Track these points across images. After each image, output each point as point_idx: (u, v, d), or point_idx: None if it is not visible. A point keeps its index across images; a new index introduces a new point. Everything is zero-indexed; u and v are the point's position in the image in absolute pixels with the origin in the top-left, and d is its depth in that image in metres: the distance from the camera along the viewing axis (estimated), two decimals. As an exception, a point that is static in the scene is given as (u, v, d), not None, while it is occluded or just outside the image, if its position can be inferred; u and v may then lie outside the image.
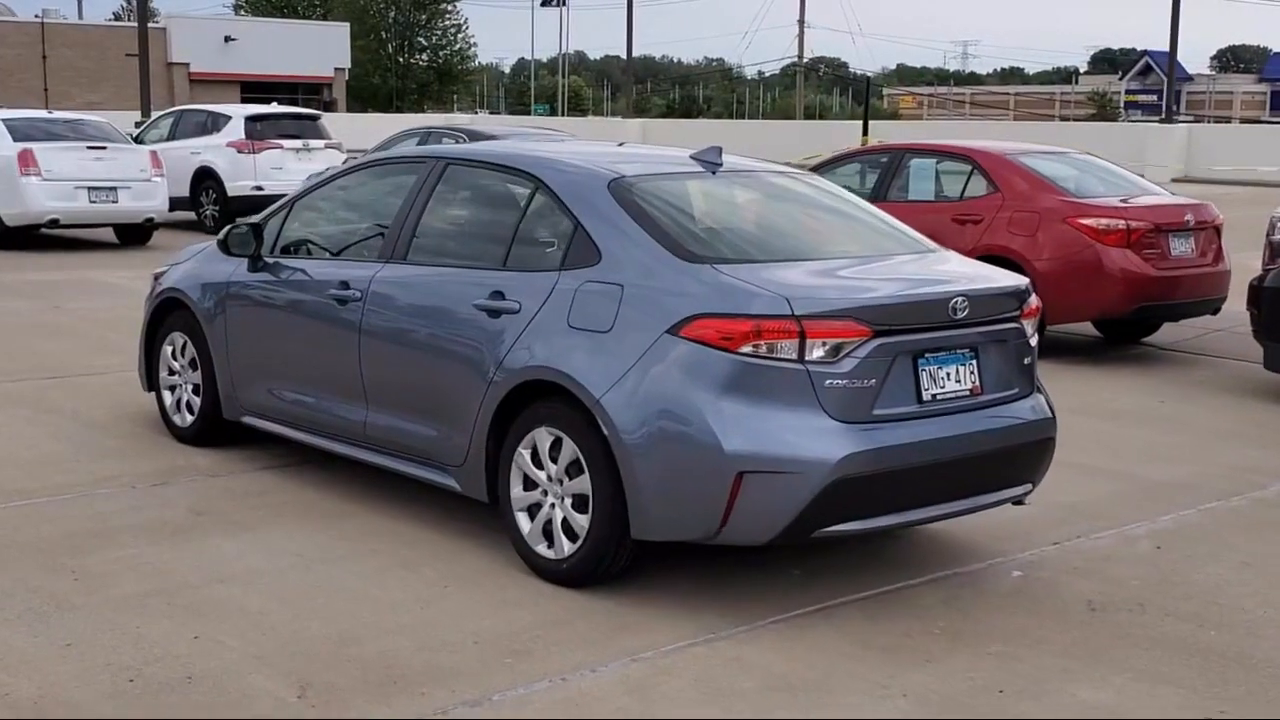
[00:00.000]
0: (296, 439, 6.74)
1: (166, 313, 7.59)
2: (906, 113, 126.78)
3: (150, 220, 17.62)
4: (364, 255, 6.59)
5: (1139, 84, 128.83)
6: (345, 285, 6.28)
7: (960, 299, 5.16)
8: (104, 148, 17.42)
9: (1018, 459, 5.43)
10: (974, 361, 5.25)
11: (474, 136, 16.66)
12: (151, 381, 7.77)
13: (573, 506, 5.23)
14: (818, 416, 4.85)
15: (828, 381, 4.86)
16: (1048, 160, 11.24)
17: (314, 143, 20.51)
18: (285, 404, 6.75)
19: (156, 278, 7.85)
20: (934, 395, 5.10)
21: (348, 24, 65.10)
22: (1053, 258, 10.37)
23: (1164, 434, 8.36)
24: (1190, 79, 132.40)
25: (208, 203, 20.09)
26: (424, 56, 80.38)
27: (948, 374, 5.15)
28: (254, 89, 53.84)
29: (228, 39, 58.04)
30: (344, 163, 17.33)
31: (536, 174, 5.76)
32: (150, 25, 43.87)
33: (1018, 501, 5.61)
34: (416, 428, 5.94)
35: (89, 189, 17.09)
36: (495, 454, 5.57)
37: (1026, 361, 5.49)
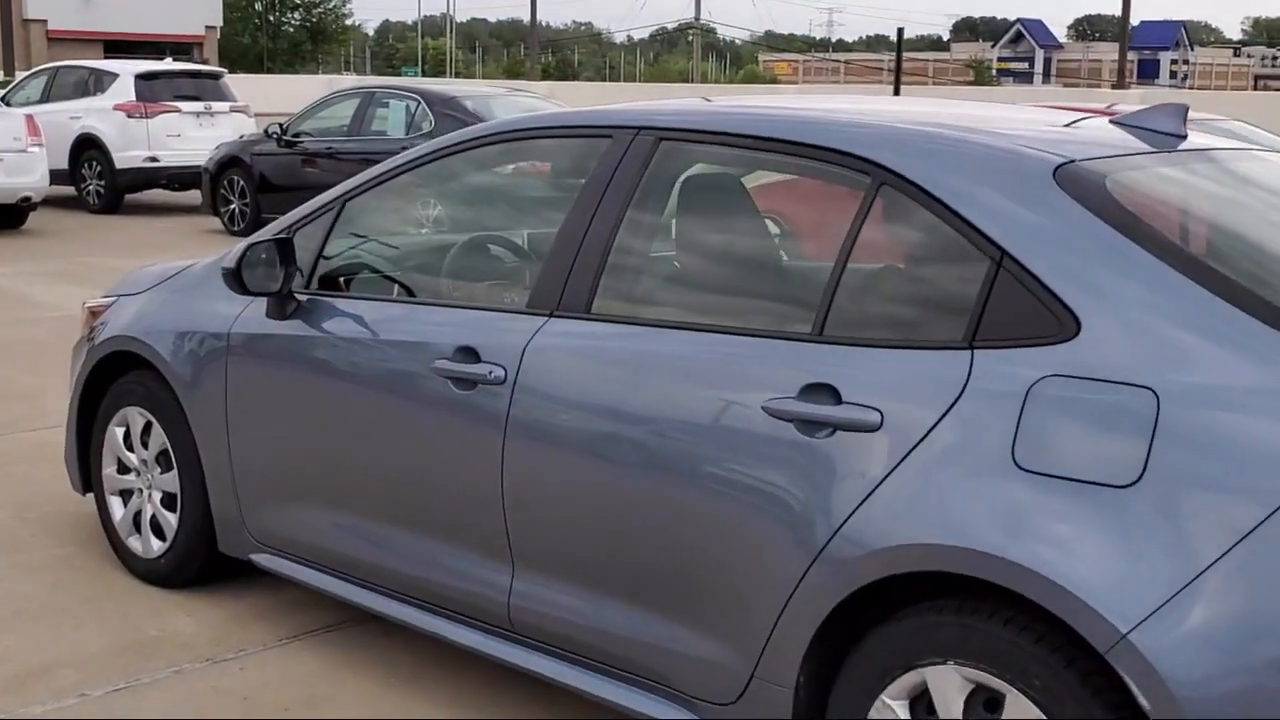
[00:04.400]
0: (353, 601, 4.00)
1: (113, 374, 4.77)
2: (784, 79, 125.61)
3: (28, 199, 14.44)
4: (495, 299, 3.91)
5: (1010, 51, 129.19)
6: (471, 354, 3.56)
7: None
8: (-35, 112, 14.26)
9: None
10: None
11: (430, 100, 13.79)
12: (89, 480, 4.95)
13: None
14: None
15: None
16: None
17: (217, 105, 17.42)
18: (336, 542, 4.02)
19: (93, 313, 4.99)
20: None
21: (217, -22, 60.90)
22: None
23: None
24: (1060, 46, 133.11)
25: (91, 177, 16.94)
26: (296, 15, 76.30)
27: None
28: (118, 48, 49.62)
29: (88, -7, 53.66)
30: (275, 132, 14.40)
31: (887, 162, 3.07)
32: (3, -24, 39.80)
33: None
34: (629, 619, 3.29)
35: (-52, 162, 13.92)
36: (814, 694, 2.94)
37: None
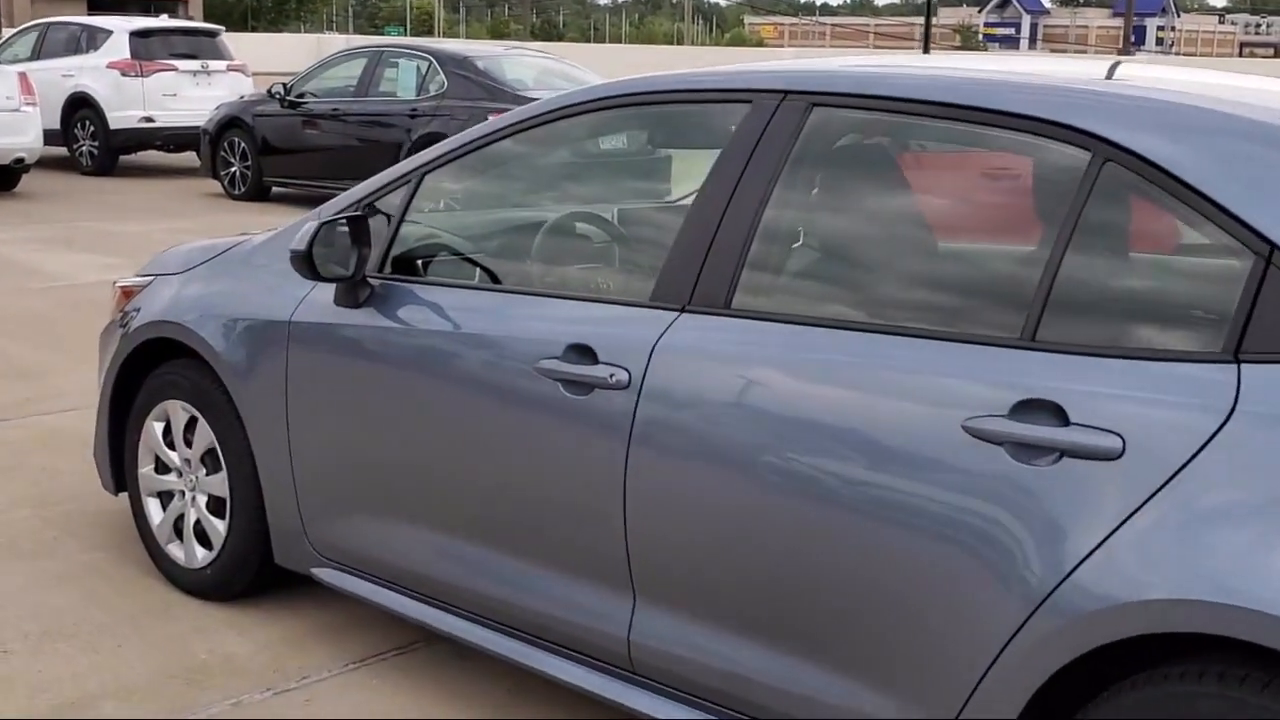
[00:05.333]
0: (436, 627, 3.53)
1: (151, 363, 4.27)
2: (771, 43, 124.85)
3: (21, 161, 13.86)
4: (607, 289, 3.42)
5: (997, 17, 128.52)
6: (586, 354, 3.07)
7: None
8: (-46, 69, 13.67)
9: None
10: None
11: (442, 60, 13.23)
12: (121, 479, 4.46)
13: None
14: None
15: None
16: None
17: (214, 64, 16.82)
18: (415, 559, 3.55)
19: (125, 294, 4.49)
20: None
21: (201, -67, 59.84)
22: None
23: None
24: (1047, 12, 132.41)
25: (84, 137, 16.36)
26: (282, -29, 75.20)
27: None
28: (102, 4, 48.76)
29: (69, -52, 52.64)
30: (278, 92, 13.83)
31: (1116, 137, 2.57)
32: (-16, -71, 39.03)
33: None
34: (777, 666, 2.83)
35: (-63, 122, 13.33)
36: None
37: None
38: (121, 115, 15.98)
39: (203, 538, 4.17)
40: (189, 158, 16.93)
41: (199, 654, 3.86)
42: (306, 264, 3.48)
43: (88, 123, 16.21)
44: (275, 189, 14.57)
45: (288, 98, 14.06)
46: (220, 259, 4.16)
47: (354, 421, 3.65)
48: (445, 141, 3.70)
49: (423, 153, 3.73)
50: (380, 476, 3.62)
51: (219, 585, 4.14)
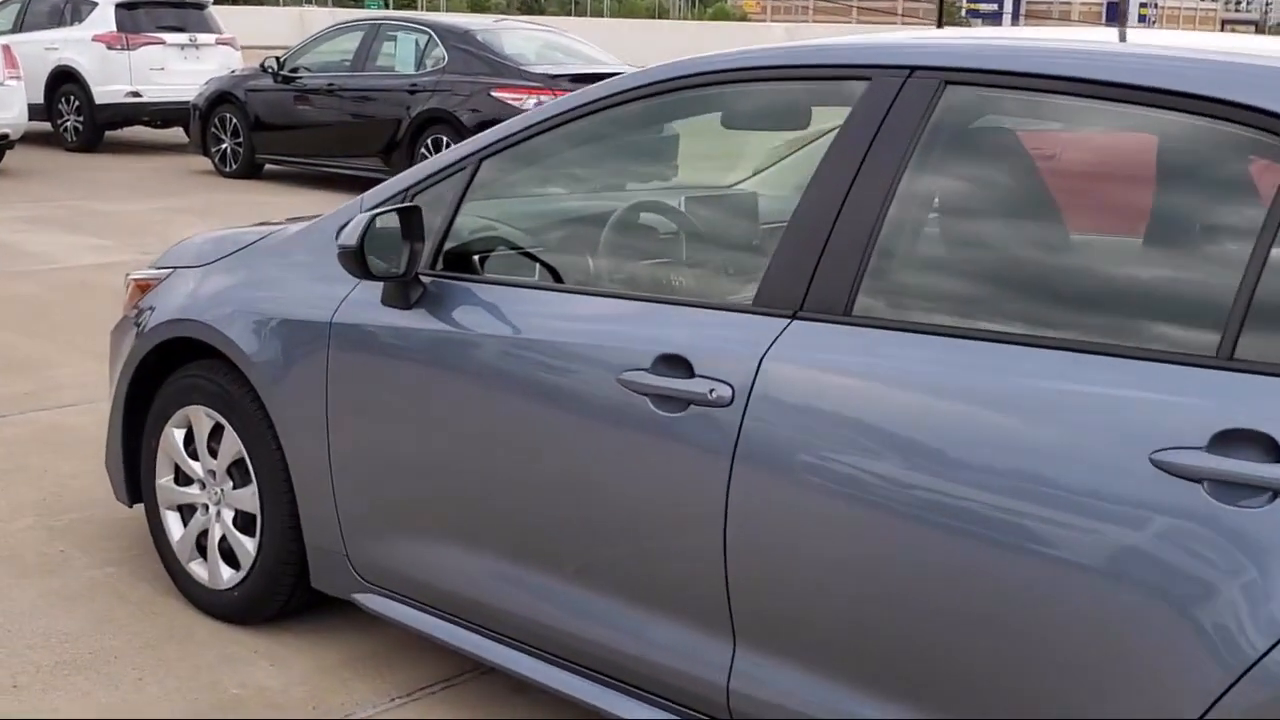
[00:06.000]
0: (497, 663, 3.18)
1: (170, 364, 3.91)
2: (754, 17, 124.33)
3: (5, 137, 13.40)
4: (700, 291, 3.08)
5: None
6: (680, 366, 2.72)
7: None
8: (-64, 41, 13.21)
9: None
10: None
11: (442, 33, 12.81)
12: (136, 490, 4.09)
13: None
14: None
15: None
16: None
17: (202, 38, 16.33)
18: (473, 587, 3.21)
19: (140, 288, 4.12)
20: None
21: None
22: None
23: None
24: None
25: (68, 112, 15.87)
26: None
27: None
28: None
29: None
30: (271, 66, 13.39)
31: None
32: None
33: None
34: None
35: (-82, 97, 12.87)
36: None
37: None
38: (107, 90, 15.51)
39: (229, 556, 3.81)
40: (176, 134, 16.48)
41: (229, 687, 3.51)
42: (358, 262, 3.11)
43: (72, 97, 15.73)
44: (268, 167, 14.14)
45: (281, 72, 13.63)
46: (248, 251, 3.79)
47: (405, 434, 3.29)
48: (503, 125, 3.32)
49: (478, 137, 3.36)
50: (435, 495, 3.26)
51: (247, 609, 3.78)
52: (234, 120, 13.95)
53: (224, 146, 14.12)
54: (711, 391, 2.67)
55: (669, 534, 2.79)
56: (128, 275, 4.22)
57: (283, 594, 3.72)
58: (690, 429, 2.71)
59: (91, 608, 3.91)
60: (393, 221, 3.16)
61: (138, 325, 3.98)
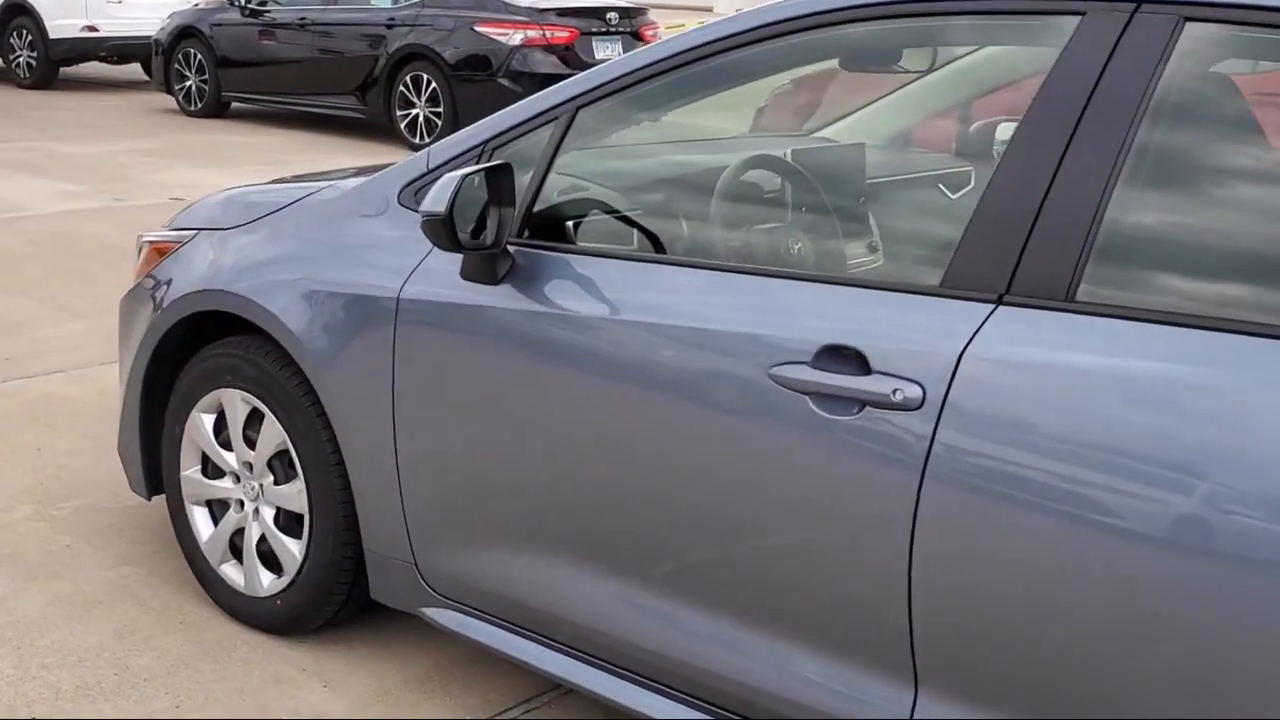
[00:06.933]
0: (588, 688, 2.75)
1: (195, 343, 3.43)
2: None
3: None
4: (865, 270, 2.61)
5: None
6: (851, 359, 2.28)
7: None
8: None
9: None
10: None
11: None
12: (155, 481, 3.61)
13: None
14: None
15: None
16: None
17: (162, -31, 15.57)
18: (575, 609, 2.77)
19: (157, 251, 3.62)
20: None
21: None
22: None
23: None
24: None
25: (20, 48, 15.14)
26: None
27: None
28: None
29: None
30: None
31: None
32: None
33: None
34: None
35: None
36: None
37: None
38: (62, 24, 14.77)
39: (269, 560, 3.35)
40: (134, 70, 15.81)
41: (279, 713, 3.05)
42: (447, 232, 2.64)
43: (25, 32, 14.99)
44: (235, 105, 13.51)
45: (249, 6, 12.99)
46: (288, 212, 3.30)
47: (491, 428, 2.83)
48: (601, 68, 2.84)
49: (570, 82, 2.88)
50: (529, 500, 2.81)
51: (291, 620, 3.33)
52: (199, 56, 13.31)
53: (188, 84, 13.48)
54: (896, 392, 2.23)
55: (833, 558, 2.36)
56: (140, 237, 3.72)
57: (333, 604, 3.27)
58: (865, 436, 2.27)
59: (110, 617, 3.45)
60: (483, 184, 2.69)
61: (154, 297, 3.49)
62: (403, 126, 11.81)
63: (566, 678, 2.81)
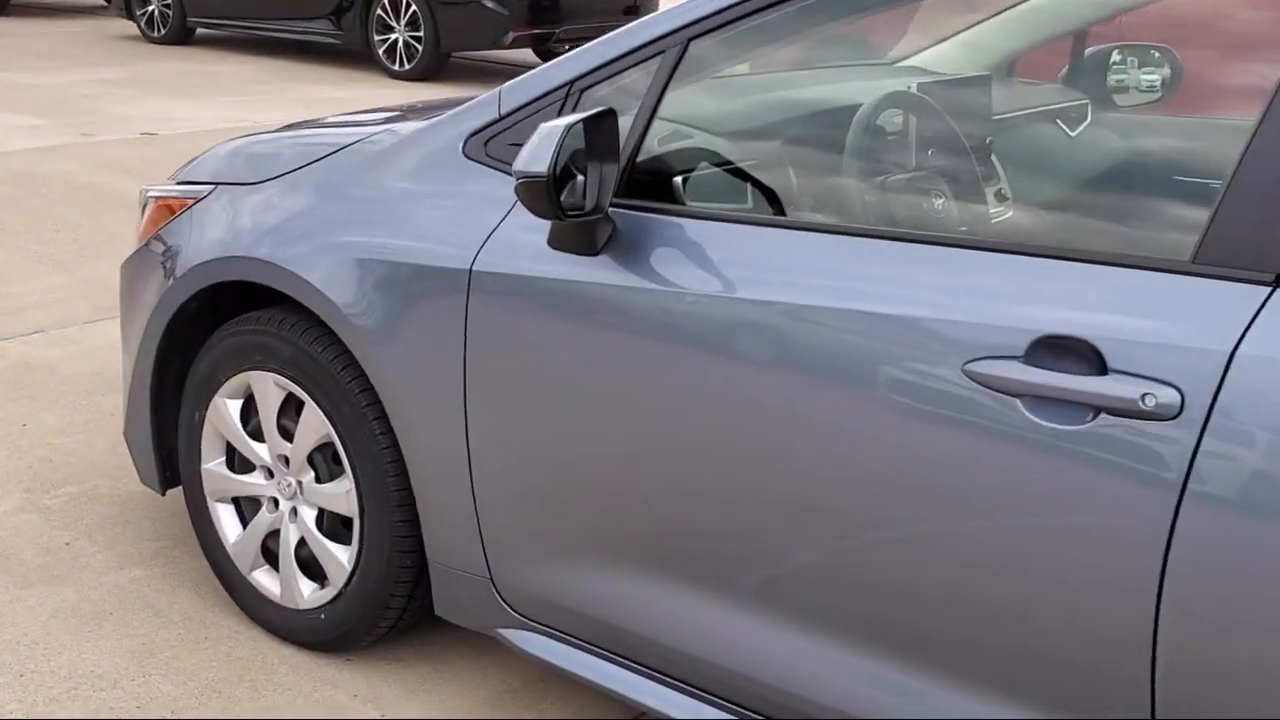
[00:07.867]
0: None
1: (213, 315, 2.94)
2: None
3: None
4: (1077, 239, 2.15)
5: None
6: (1080, 354, 1.81)
7: None
8: None
9: None
10: None
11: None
12: (171, 473, 3.13)
13: None
14: None
15: None
16: None
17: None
18: (672, 630, 2.32)
19: (165, 207, 3.12)
20: None
21: None
22: None
23: None
24: None
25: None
26: None
27: None
28: None
29: None
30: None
31: None
32: None
33: None
34: None
35: None
36: None
37: None
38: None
39: (309, 567, 2.88)
40: (91, -7, 15.11)
41: (333, 758, 2.60)
42: (548, 198, 2.15)
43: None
44: (200, 31, 12.85)
45: (214, -75, 12.29)
46: (326, 164, 2.80)
47: (591, 424, 2.36)
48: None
49: (680, 8, 2.38)
50: (632, 507, 2.35)
51: (338, 637, 2.87)
52: (161, -22, 12.62)
53: (150, 9, 12.80)
54: (1146, 398, 1.77)
55: (1052, 592, 1.91)
56: (145, 191, 3.21)
57: (388, 620, 2.81)
58: (1100, 450, 1.82)
59: (123, 633, 2.98)
60: (581, 135, 2.20)
61: (166, 262, 2.99)
62: (381, 52, 11.21)
63: (675, 715, 2.37)
